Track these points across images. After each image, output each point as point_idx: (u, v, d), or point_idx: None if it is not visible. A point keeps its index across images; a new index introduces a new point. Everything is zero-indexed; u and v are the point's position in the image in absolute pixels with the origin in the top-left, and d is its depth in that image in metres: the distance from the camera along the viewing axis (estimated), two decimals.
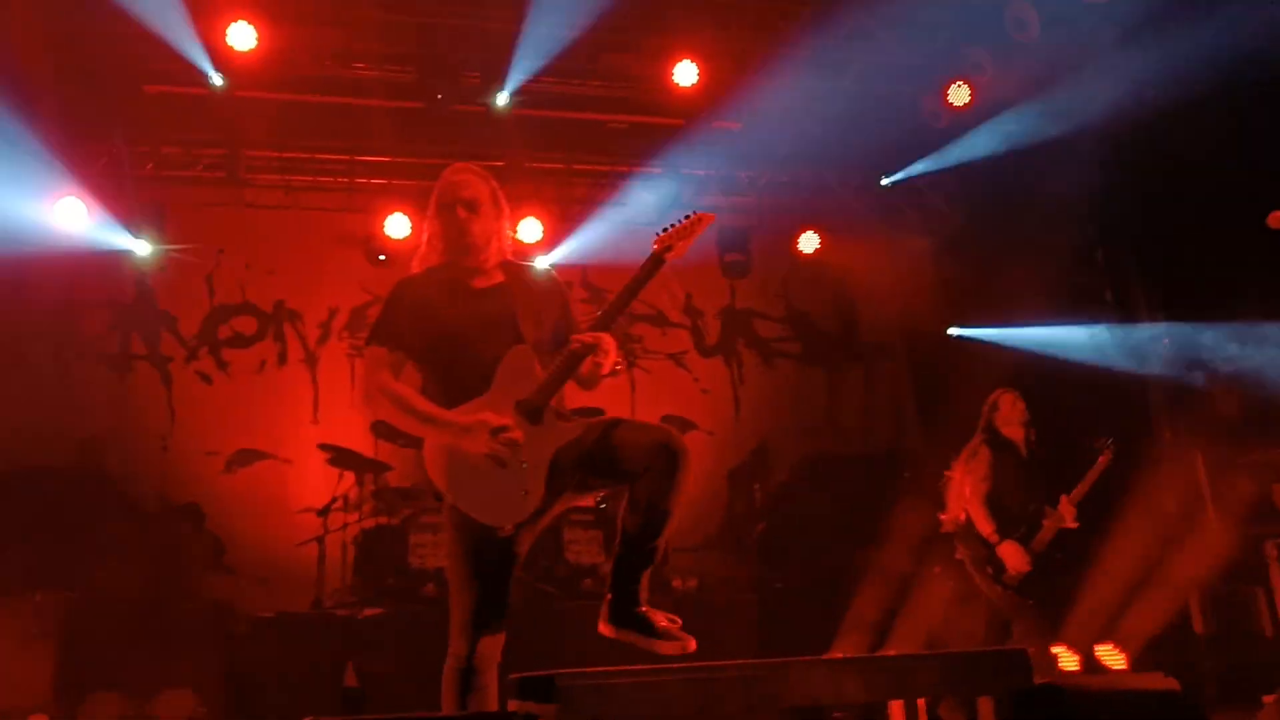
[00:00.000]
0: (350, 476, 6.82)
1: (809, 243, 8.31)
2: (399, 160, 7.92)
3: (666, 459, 3.10)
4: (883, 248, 8.14)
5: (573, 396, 3.31)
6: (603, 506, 6.27)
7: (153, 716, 5.46)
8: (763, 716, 3.37)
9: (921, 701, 3.13)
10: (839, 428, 8.64)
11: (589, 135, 7.96)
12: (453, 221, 3.32)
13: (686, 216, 3.44)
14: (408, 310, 3.28)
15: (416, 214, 7.58)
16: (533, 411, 3.13)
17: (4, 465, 6.50)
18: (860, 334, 9.02)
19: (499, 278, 3.37)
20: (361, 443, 7.00)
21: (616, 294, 3.28)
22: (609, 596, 3.16)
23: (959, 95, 6.73)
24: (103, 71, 6.85)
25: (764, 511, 6.91)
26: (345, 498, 6.74)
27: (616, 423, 3.23)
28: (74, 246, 7.13)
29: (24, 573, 5.76)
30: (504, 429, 3.07)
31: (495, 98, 7.23)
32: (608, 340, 3.18)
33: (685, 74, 7.05)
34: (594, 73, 7.40)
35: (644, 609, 3.13)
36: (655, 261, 3.34)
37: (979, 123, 6.87)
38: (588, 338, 3.15)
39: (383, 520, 6.57)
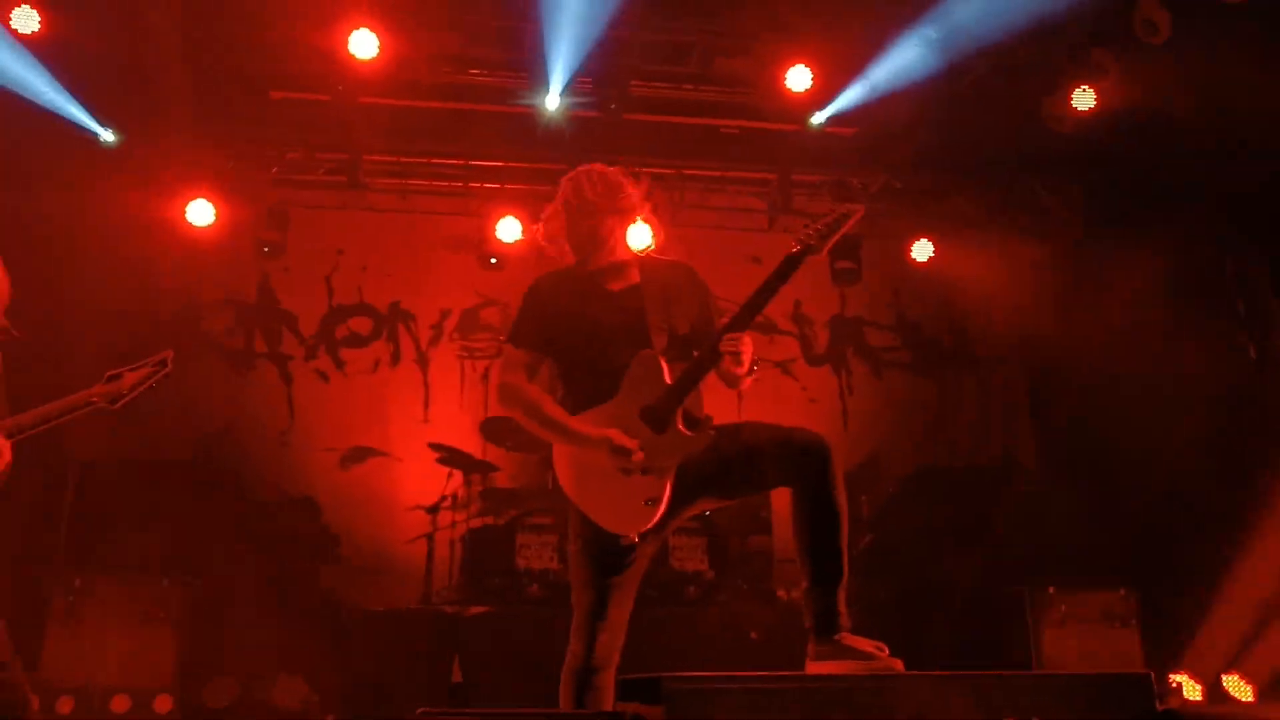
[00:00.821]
0: (459, 476, 6.94)
1: (922, 250, 8.15)
2: (511, 165, 8.04)
3: (817, 460, 3.05)
4: (999, 255, 7.91)
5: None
6: (707, 513, 6.24)
7: (269, 702, 5.65)
8: None
9: None
10: (950, 440, 8.45)
11: (701, 140, 7.95)
12: (580, 220, 3.34)
13: (832, 215, 3.28)
14: (542, 311, 3.32)
15: (527, 218, 7.67)
16: (657, 420, 3.10)
17: (132, 456, 6.78)
18: (973, 344, 8.80)
19: (634, 278, 3.34)
20: (470, 443, 7.12)
21: (752, 293, 3.19)
22: (810, 632, 3.06)
23: (1083, 99, 6.51)
24: (233, 79, 7.11)
25: (871, 524, 6.79)
26: (454, 497, 6.87)
27: (752, 428, 3.17)
28: (202, 247, 7.44)
29: (150, 560, 6.01)
30: (626, 452, 3.05)
31: (609, 102, 7.27)
32: (742, 343, 3.10)
33: (799, 79, 6.98)
34: (707, 77, 7.38)
35: (845, 635, 3.01)
36: (791, 263, 3.21)
37: (1103, 127, 6.63)
38: (724, 345, 3.09)
39: (489, 520, 6.67)
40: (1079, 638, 5.79)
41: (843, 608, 3.08)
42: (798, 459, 3.09)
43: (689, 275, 3.44)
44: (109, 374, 3.19)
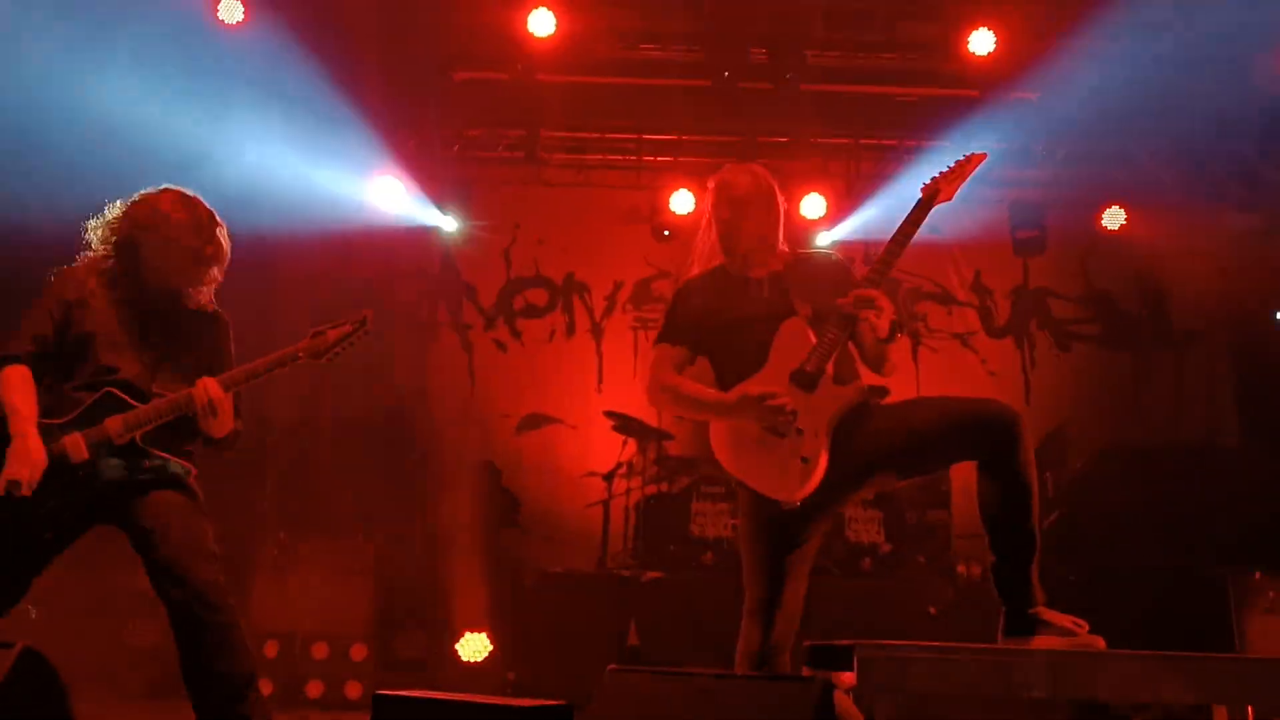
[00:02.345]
0: (633, 444, 7.05)
1: (1113, 219, 7.77)
2: (685, 138, 8.07)
3: (1003, 431, 2.97)
4: (1200, 225, 7.46)
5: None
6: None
7: (455, 656, 5.91)
8: (1060, 707, 3.22)
9: (1251, 709, 2.87)
10: (1144, 418, 8.03)
11: (878, 108, 7.78)
12: (726, 222, 3.36)
13: (959, 162, 3.33)
14: (689, 309, 3.38)
15: (701, 190, 7.68)
16: (807, 380, 3.07)
17: (328, 420, 7.17)
18: (1171, 317, 8.31)
19: (776, 267, 3.37)
20: (644, 411, 7.22)
21: (884, 248, 3.19)
22: (1003, 608, 3.00)
23: None
24: (418, 59, 7.37)
25: (1056, 501, 6.55)
26: (629, 464, 6.99)
27: (928, 403, 3.15)
28: (389, 221, 7.77)
29: (346, 517, 6.38)
30: (767, 395, 3.05)
31: (783, 73, 7.20)
32: (878, 296, 3.07)
33: (982, 42, 6.75)
34: (886, 44, 7.22)
35: (1042, 610, 2.95)
36: (922, 207, 3.24)
37: None
38: (859, 293, 3.07)
39: (664, 488, 6.75)
40: None
41: (1036, 581, 2.99)
42: (983, 432, 3.00)
43: (834, 262, 3.48)
44: (313, 330, 3.35)
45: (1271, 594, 5.53)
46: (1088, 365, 8.32)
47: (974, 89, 7.33)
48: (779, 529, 3.13)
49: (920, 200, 3.26)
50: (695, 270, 3.50)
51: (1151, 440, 7.64)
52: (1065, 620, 2.91)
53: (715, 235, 3.41)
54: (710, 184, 3.46)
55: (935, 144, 7.94)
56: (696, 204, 7.65)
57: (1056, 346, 8.38)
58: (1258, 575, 5.58)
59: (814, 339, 3.13)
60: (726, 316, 3.30)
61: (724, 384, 3.28)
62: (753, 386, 3.11)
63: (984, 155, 3.35)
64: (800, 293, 3.25)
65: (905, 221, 3.22)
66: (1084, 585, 5.49)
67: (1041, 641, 2.88)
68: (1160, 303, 8.32)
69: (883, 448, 3.09)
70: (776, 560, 3.15)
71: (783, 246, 3.43)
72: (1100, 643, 2.86)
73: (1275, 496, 6.02)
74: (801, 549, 3.17)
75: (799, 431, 3.05)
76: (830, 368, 3.11)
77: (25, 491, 3.00)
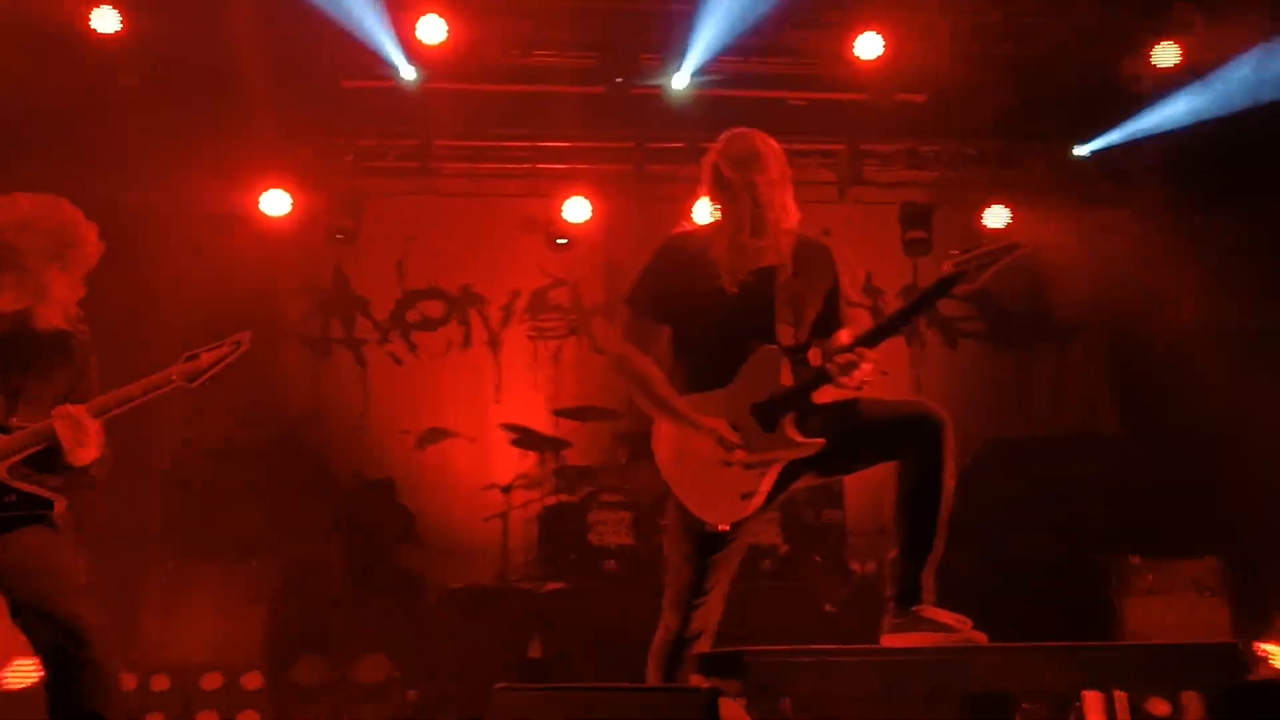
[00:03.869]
0: (532, 455, 7.02)
1: (996, 217, 7.98)
2: (580, 145, 8.05)
3: (930, 433, 3.00)
4: (1076, 222, 7.72)
5: None
6: None
7: (354, 679, 5.79)
8: (945, 703, 3.29)
9: (1122, 695, 2.97)
10: (1027, 412, 8.28)
11: (769, 113, 7.87)
12: (747, 191, 3.13)
13: (993, 245, 3.11)
14: (668, 277, 3.20)
15: (597, 197, 7.70)
16: (769, 419, 3.04)
17: (216, 442, 6.96)
18: (1052, 313, 8.59)
19: (771, 259, 3.17)
20: (542, 423, 7.20)
21: (895, 311, 3.13)
22: (889, 602, 3.02)
23: (1165, 56, 6.29)
24: (306, 70, 7.22)
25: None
26: (528, 475, 6.95)
27: (864, 404, 3.10)
28: (278, 236, 7.60)
29: (235, 542, 6.19)
30: (733, 447, 3.01)
31: (674, 79, 7.25)
32: (864, 362, 2.97)
33: (868, 46, 6.88)
34: (775, 49, 7.31)
35: (925, 608, 2.96)
36: (944, 286, 3.05)
37: (1186, 85, 6.42)
38: (846, 358, 2.98)
39: (564, 497, 6.73)
40: (1166, 608, 5.67)
41: (928, 582, 3.04)
42: (911, 433, 3.03)
43: (828, 261, 3.30)
44: (187, 354, 3.23)
45: (1150, 577, 5.75)
46: (974, 362, 8.53)
47: (862, 92, 7.47)
48: (705, 535, 3.11)
49: (944, 278, 3.04)
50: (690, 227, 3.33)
51: (1034, 433, 7.87)
52: (947, 617, 2.96)
53: (731, 203, 3.15)
54: (723, 146, 3.23)
55: (825, 146, 8.11)
56: (593, 211, 7.66)
57: (946, 344, 8.59)
58: (1136, 560, 5.79)
59: (786, 377, 3.07)
60: (706, 305, 3.13)
61: (680, 366, 3.20)
62: (724, 424, 3.03)
63: (1022, 248, 3.15)
64: (786, 301, 3.16)
65: (922, 295, 3.10)
66: (971, 576, 5.63)
67: (923, 638, 2.93)
68: (1041, 299, 8.59)
69: (830, 451, 3.07)
70: (702, 559, 3.13)
71: (786, 225, 3.20)
72: (982, 638, 2.92)
73: (1152, 484, 6.26)
74: (726, 550, 3.15)
75: (747, 467, 3.02)
76: (792, 414, 3.06)
77: None
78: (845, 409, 3.12)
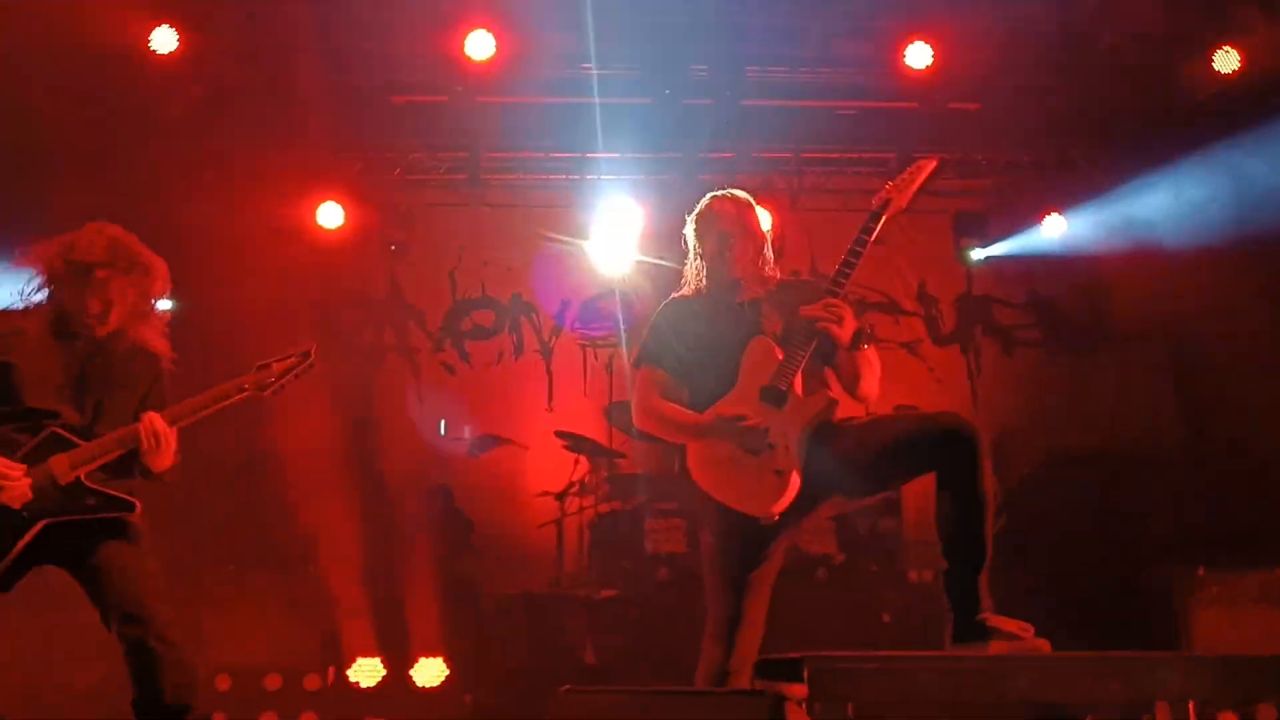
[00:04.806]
0: (585, 462, 7.04)
1: (1054, 226, 7.90)
2: (627, 156, 8.10)
3: (961, 445, 3.03)
4: (1138, 230, 7.62)
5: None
6: None
7: (411, 682, 5.85)
8: (1012, 712, 3.25)
9: (1192, 705, 2.92)
10: (1087, 421, 8.16)
11: (819, 123, 7.87)
12: (712, 254, 3.41)
13: (908, 168, 3.38)
14: (671, 330, 3.40)
15: (645, 208, 7.73)
16: (775, 396, 3.12)
17: (277, 449, 7.05)
18: (1112, 321, 8.47)
19: (759, 292, 3.41)
20: (595, 430, 7.23)
21: (841, 259, 3.25)
22: (950, 614, 3.04)
23: (1225, 62, 6.19)
24: (358, 84, 7.34)
25: (1003, 506, 6.63)
26: (581, 483, 6.98)
27: (885, 422, 3.19)
28: (333, 248, 7.72)
29: (294, 547, 6.30)
30: (738, 419, 3.08)
31: (723, 91, 7.26)
32: (838, 305, 3.14)
33: (918, 56, 6.85)
34: (824, 60, 7.31)
35: (988, 616, 2.97)
36: (875, 217, 3.29)
37: (1248, 91, 6.30)
38: (816, 308, 3.13)
39: (616, 505, 6.75)
40: (1233, 620, 5.55)
41: (985, 589, 3.03)
42: (941, 446, 3.05)
43: (810, 287, 3.50)
44: (258, 364, 3.33)
45: (1215, 589, 5.64)
46: (1031, 370, 8.44)
47: (913, 101, 7.43)
48: (742, 548, 3.15)
49: (873, 211, 3.30)
50: (683, 293, 3.53)
51: (1093, 443, 7.76)
52: (1012, 625, 2.95)
53: (704, 267, 3.45)
54: (695, 214, 3.50)
55: (877, 155, 8.09)
56: (644, 221, 7.68)
57: (1002, 353, 8.51)
58: (1201, 571, 5.68)
59: (780, 354, 3.18)
60: (703, 337, 3.34)
61: (698, 404, 3.30)
62: (725, 408, 3.15)
63: (935, 161, 3.41)
64: (773, 313, 3.31)
65: (860, 232, 3.27)
66: (1032, 589, 5.56)
67: (988, 646, 2.91)
68: (1101, 307, 8.48)
69: (842, 470, 3.13)
70: (740, 579, 3.17)
71: (772, 271, 3.48)
72: (1046, 646, 2.90)
73: (1216, 494, 6.14)
74: (763, 567, 3.19)
75: (771, 446, 3.09)
76: (798, 383, 3.15)
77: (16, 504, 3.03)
78: (865, 428, 3.19)
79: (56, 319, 3.28)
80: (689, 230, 3.52)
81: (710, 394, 3.25)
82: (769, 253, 3.51)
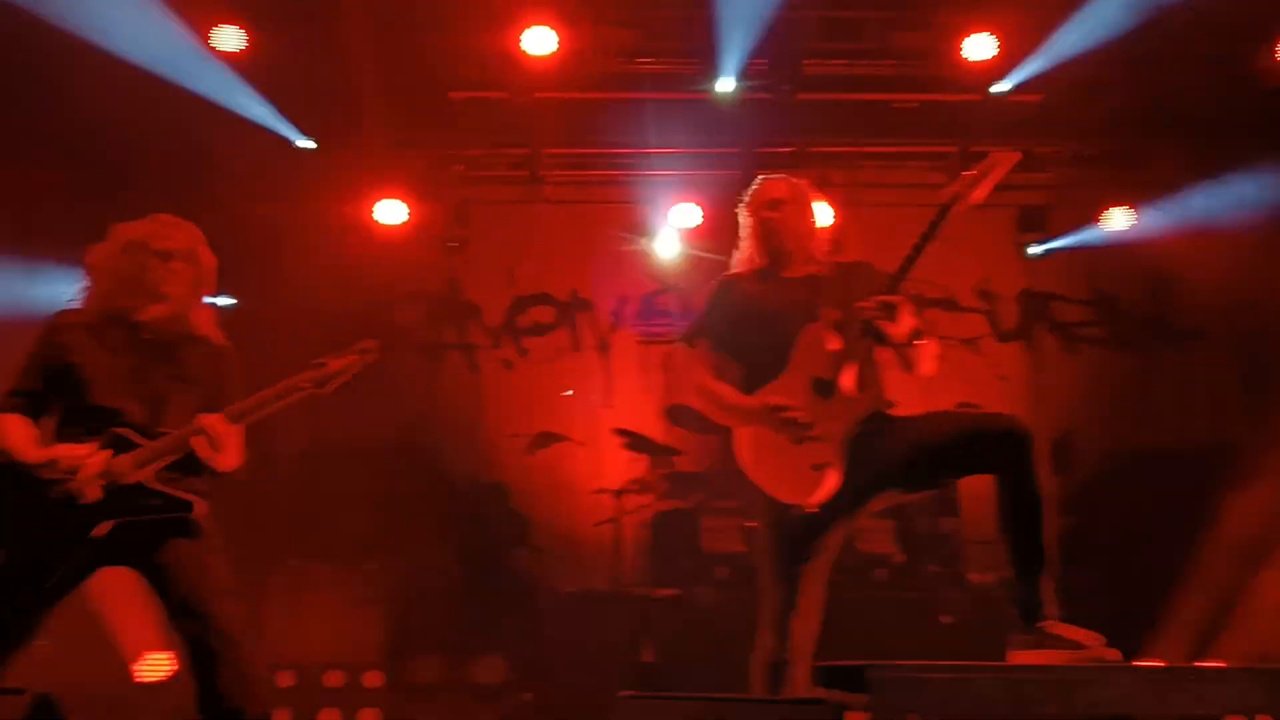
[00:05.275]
0: (643, 460, 7.04)
1: (1119, 219, 7.73)
2: (685, 151, 8.08)
3: (1014, 445, 3.00)
4: (1205, 223, 7.43)
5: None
6: None
7: (470, 680, 5.91)
8: None
9: None
10: (1152, 419, 7.98)
11: (877, 116, 7.78)
12: (765, 223, 3.43)
13: (983, 158, 3.26)
14: (723, 308, 3.42)
15: (705, 203, 7.71)
16: (825, 387, 3.11)
17: (336, 446, 7.17)
18: (1177, 317, 8.29)
19: (813, 269, 3.41)
20: (653, 428, 7.22)
21: (904, 254, 3.18)
22: (1015, 619, 3.03)
23: None
24: (417, 84, 7.41)
25: (1067, 506, 6.52)
26: (640, 481, 6.97)
27: (938, 418, 3.16)
28: (393, 244, 7.79)
29: (355, 543, 6.38)
30: (782, 409, 3.07)
31: (782, 84, 7.21)
32: (898, 301, 3.09)
33: (979, 47, 6.75)
34: (882, 52, 7.23)
35: (1052, 623, 2.94)
36: (942, 212, 3.18)
37: None
38: (877, 298, 3.09)
39: (675, 504, 6.74)
40: None
41: (1048, 595, 2.99)
42: (994, 446, 3.02)
43: (868, 270, 3.44)
44: (316, 361, 3.34)
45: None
46: (1094, 368, 8.27)
47: (974, 93, 7.32)
48: (793, 540, 3.15)
49: (941, 205, 3.19)
50: (738, 269, 3.55)
51: (1158, 441, 7.59)
52: (1078, 634, 2.90)
53: (754, 240, 3.47)
54: (748, 193, 3.52)
55: (937, 149, 7.98)
56: (703, 217, 7.67)
57: (1065, 349, 8.35)
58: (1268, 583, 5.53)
59: (836, 345, 3.15)
60: (756, 313, 3.33)
61: (748, 380, 3.31)
62: (772, 395, 3.15)
63: (1016, 156, 3.26)
64: (830, 296, 3.27)
65: (928, 226, 3.18)
66: (1100, 592, 5.47)
67: (1052, 656, 2.86)
68: (1167, 303, 8.29)
69: (894, 463, 3.12)
70: (792, 569, 3.17)
71: (824, 257, 3.47)
72: (1115, 655, 2.85)
73: None
74: (815, 561, 3.18)
75: (815, 439, 3.07)
76: (851, 376, 3.12)
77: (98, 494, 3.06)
78: (918, 423, 3.17)
79: (115, 314, 3.30)
80: (741, 208, 3.54)
81: (761, 372, 3.25)
82: (820, 232, 3.52)
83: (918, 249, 3.18)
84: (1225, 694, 2.64)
